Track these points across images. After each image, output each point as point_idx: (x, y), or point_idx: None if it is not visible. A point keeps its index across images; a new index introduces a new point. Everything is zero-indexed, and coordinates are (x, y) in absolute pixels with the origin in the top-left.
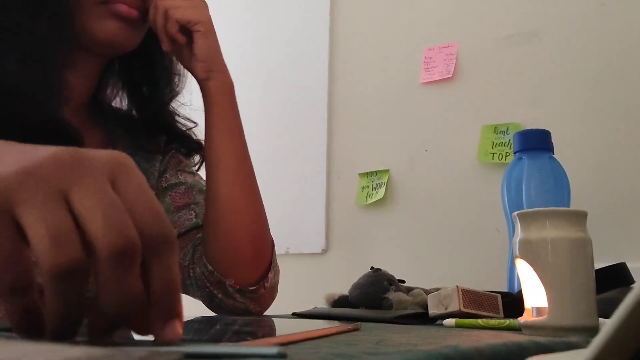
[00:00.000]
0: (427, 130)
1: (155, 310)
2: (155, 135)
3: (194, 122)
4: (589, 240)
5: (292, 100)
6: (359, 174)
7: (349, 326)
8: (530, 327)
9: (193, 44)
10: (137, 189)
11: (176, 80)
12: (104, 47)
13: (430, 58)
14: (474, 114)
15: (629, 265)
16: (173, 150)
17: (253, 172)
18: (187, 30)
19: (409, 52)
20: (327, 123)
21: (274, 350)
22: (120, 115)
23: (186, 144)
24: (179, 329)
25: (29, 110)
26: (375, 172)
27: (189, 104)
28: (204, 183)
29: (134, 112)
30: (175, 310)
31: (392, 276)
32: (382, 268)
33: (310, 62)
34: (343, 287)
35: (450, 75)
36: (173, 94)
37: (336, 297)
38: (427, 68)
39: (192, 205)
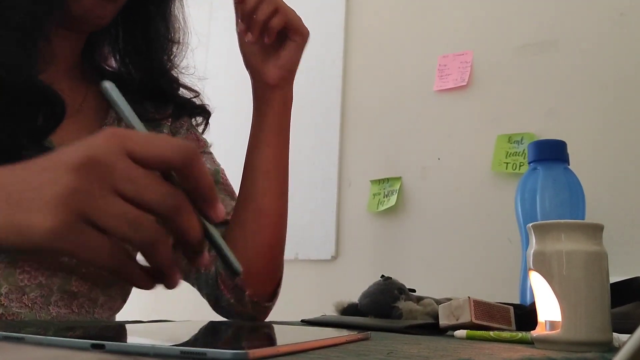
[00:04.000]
0: (441, 138)
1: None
2: (159, 104)
3: (196, 92)
4: (604, 254)
5: (305, 105)
6: (371, 181)
7: (359, 335)
8: (544, 341)
9: (282, 50)
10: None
11: (174, 48)
12: (80, 22)
13: (445, 65)
14: (488, 123)
15: None
16: (186, 126)
17: (288, 190)
18: (281, 34)
19: (423, 59)
20: (339, 129)
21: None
22: (121, 80)
23: (190, 110)
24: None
25: (9, 73)
26: (387, 179)
27: (193, 71)
28: (220, 168)
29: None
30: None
31: (403, 285)
32: (393, 276)
33: (324, 68)
34: (352, 295)
35: (465, 84)
36: (171, 62)
37: (345, 305)
38: (442, 76)
39: None
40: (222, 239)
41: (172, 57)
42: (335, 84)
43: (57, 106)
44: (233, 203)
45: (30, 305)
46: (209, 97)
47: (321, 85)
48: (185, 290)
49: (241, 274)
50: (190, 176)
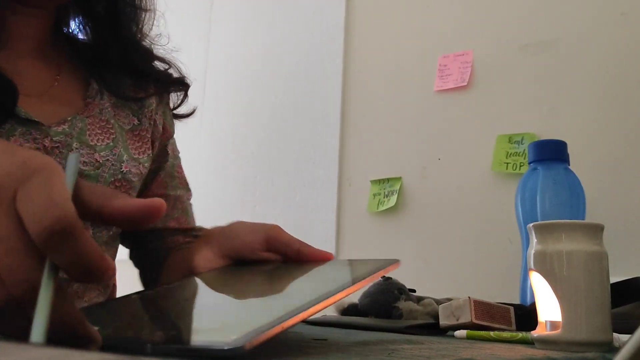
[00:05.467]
0: (441, 139)
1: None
2: (139, 81)
3: (169, 63)
4: (605, 254)
5: (305, 105)
6: (371, 181)
7: (390, 266)
8: (544, 341)
9: None
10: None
11: (144, 16)
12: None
13: (445, 66)
14: (488, 123)
15: None
16: (160, 110)
17: None
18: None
19: (424, 59)
20: (339, 129)
21: (225, 343)
22: (95, 53)
23: (168, 85)
24: None
25: None
26: (388, 179)
27: (165, 42)
28: (177, 162)
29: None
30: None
31: (403, 285)
32: (393, 276)
33: (324, 68)
34: (352, 295)
35: (465, 84)
36: (141, 32)
37: (345, 305)
38: (442, 76)
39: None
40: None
41: (141, 26)
42: (335, 83)
43: (8, 92)
44: (190, 193)
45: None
46: (210, 93)
47: (321, 85)
48: None
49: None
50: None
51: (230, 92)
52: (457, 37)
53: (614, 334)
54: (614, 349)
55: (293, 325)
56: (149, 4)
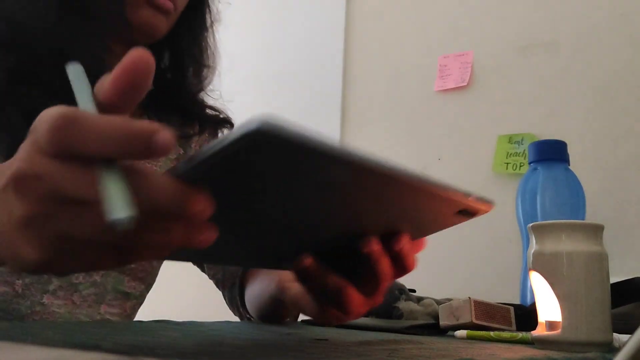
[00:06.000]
0: (441, 139)
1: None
2: (186, 120)
3: (220, 112)
4: (605, 255)
5: (305, 105)
6: None
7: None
8: (544, 342)
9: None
10: None
11: (205, 72)
12: (136, 33)
13: (445, 66)
14: (488, 123)
15: None
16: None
17: None
18: None
19: (424, 59)
20: (340, 129)
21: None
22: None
23: (215, 124)
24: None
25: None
26: None
27: (219, 97)
28: None
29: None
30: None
31: (403, 285)
32: None
33: (324, 68)
34: None
35: (465, 84)
36: (201, 85)
37: None
38: (442, 76)
39: None
40: (120, 178)
41: (203, 80)
42: (335, 83)
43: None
44: None
45: (78, 303)
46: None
47: (322, 84)
48: (182, 290)
49: (120, 223)
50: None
51: (230, 93)
52: (457, 38)
53: (614, 334)
54: (614, 349)
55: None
56: (212, 61)
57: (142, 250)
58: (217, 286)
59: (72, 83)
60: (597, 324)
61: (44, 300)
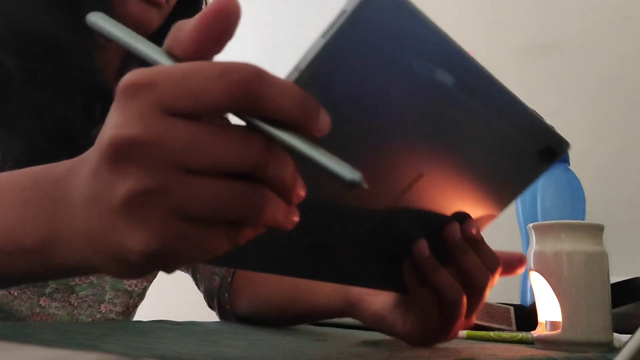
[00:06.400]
0: None
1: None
2: None
3: None
4: (605, 255)
5: None
6: None
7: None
8: (544, 342)
9: None
10: None
11: None
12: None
13: None
14: None
15: None
16: None
17: None
18: None
19: None
20: None
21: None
22: None
23: None
24: None
25: (87, 76)
26: None
27: None
28: None
29: None
30: None
31: None
32: None
33: None
34: None
35: None
36: None
37: None
38: None
39: None
40: (317, 146)
41: None
42: None
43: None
44: None
45: (77, 304)
46: None
47: None
48: (181, 290)
49: (359, 182)
50: (261, 108)
51: None
52: (457, 39)
53: (614, 334)
54: (614, 350)
55: None
56: None
57: (251, 228)
58: (194, 276)
59: (113, 34)
60: (598, 324)
61: (40, 303)
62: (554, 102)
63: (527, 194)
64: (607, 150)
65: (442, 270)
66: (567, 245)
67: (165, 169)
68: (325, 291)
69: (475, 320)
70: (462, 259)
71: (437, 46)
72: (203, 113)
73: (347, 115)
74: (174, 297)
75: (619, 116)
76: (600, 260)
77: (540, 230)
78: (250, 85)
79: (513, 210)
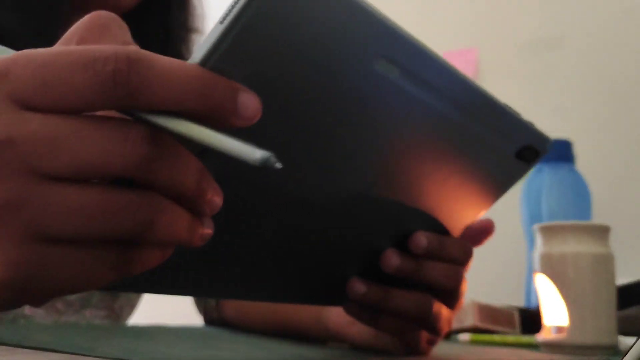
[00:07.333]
0: None
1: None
2: None
3: None
4: (611, 256)
5: None
6: None
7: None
8: (549, 345)
9: None
10: None
11: (194, 37)
12: (98, 6)
13: None
14: None
15: None
16: None
17: None
18: None
19: None
20: None
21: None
22: None
23: None
24: None
25: None
26: None
27: None
28: None
29: None
30: None
31: None
32: None
33: None
34: None
35: None
36: (189, 52)
37: None
38: None
39: None
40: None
41: (190, 46)
42: None
43: None
44: None
45: (63, 309)
46: None
47: None
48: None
49: (268, 159)
50: (144, 101)
51: None
52: (461, 35)
53: (619, 337)
54: (619, 352)
55: None
56: (199, 25)
57: (145, 249)
58: None
59: None
60: (603, 327)
61: (25, 312)
62: (558, 99)
63: (531, 194)
64: (614, 149)
65: (390, 297)
66: (572, 246)
67: (18, 175)
68: (307, 316)
69: (478, 322)
70: (417, 276)
71: (367, 28)
72: (67, 109)
73: (277, 100)
74: (171, 301)
75: (625, 114)
76: (606, 262)
77: (546, 231)
78: (123, 75)
79: (517, 210)
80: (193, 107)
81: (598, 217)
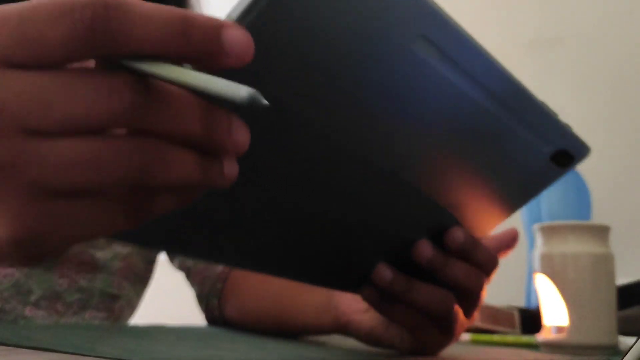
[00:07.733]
0: None
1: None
2: None
3: None
4: (611, 256)
5: None
6: None
7: None
8: (549, 345)
9: None
10: None
11: None
12: None
13: None
14: None
15: None
16: None
17: None
18: None
19: None
20: None
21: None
22: None
23: None
24: None
25: None
26: None
27: None
28: None
29: None
30: None
31: None
32: None
33: None
34: None
35: None
36: None
37: None
38: None
39: None
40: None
41: None
42: None
43: None
44: None
45: (63, 310)
46: None
47: None
48: (179, 294)
49: (253, 96)
50: (124, 47)
51: None
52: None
53: (619, 337)
54: (619, 353)
55: None
56: (198, 6)
57: (156, 195)
58: (187, 278)
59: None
60: (603, 327)
61: (26, 313)
62: (558, 98)
63: None
64: (614, 149)
65: (414, 289)
66: (572, 246)
67: (9, 136)
68: (312, 308)
69: (478, 322)
70: (444, 271)
71: (409, 7)
72: (47, 63)
73: (318, 71)
74: (171, 301)
75: (626, 113)
76: (606, 262)
77: (546, 231)
78: (102, 20)
79: (518, 210)
80: (175, 49)
81: (598, 217)
